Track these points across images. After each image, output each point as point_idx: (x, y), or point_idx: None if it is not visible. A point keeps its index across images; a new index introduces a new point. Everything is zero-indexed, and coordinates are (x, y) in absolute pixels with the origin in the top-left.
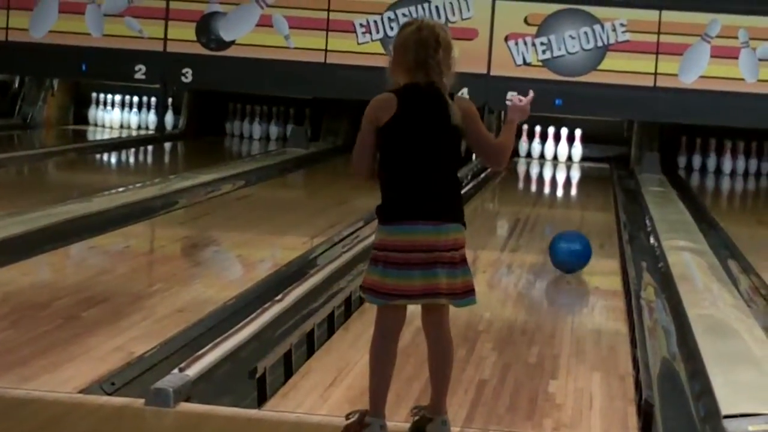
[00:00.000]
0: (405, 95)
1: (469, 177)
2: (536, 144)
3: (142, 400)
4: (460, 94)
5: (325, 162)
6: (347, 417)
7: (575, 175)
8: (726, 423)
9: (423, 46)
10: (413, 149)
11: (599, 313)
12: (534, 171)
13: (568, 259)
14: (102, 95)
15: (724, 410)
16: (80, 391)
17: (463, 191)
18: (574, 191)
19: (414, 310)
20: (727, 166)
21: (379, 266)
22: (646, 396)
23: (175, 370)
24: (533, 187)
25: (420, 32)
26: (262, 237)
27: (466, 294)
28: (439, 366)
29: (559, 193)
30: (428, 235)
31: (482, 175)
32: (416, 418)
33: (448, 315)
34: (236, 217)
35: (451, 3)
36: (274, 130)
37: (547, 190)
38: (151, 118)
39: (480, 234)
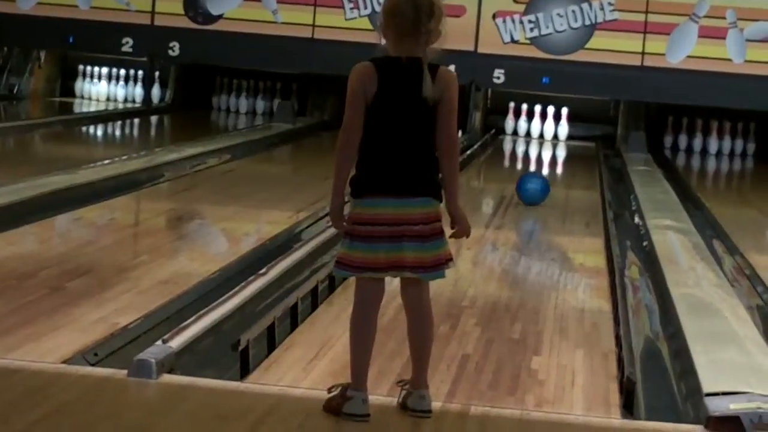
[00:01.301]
0: (385, 70)
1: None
2: (522, 122)
3: (125, 371)
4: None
5: (311, 137)
6: (329, 390)
7: (561, 153)
8: (707, 401)
9: (417, 12)
10: (387, 126)
11: (583, 291)
12: (520, 149)
13: (537, 195)
14: (89, 68)
15: (706, 388)
16: (63, 362)
17: None
18: (559, 170)
19: (396, 286)
20: (713, 146)
21: (347, 240)
22: (629, 373)
23: (159, 342)
24: (519, 165)
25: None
26: (247, 211)
27: (435, 267)
28: (419, 340)
29: (545, 171)
30: (394, 208)
31: (468, 153)
32: (403, 392)
33: (428, 289)
34: (221, 191)
35: None
36: (260, 105)
37: (532, 168)
38: (138, 91)
39: (465, 211)
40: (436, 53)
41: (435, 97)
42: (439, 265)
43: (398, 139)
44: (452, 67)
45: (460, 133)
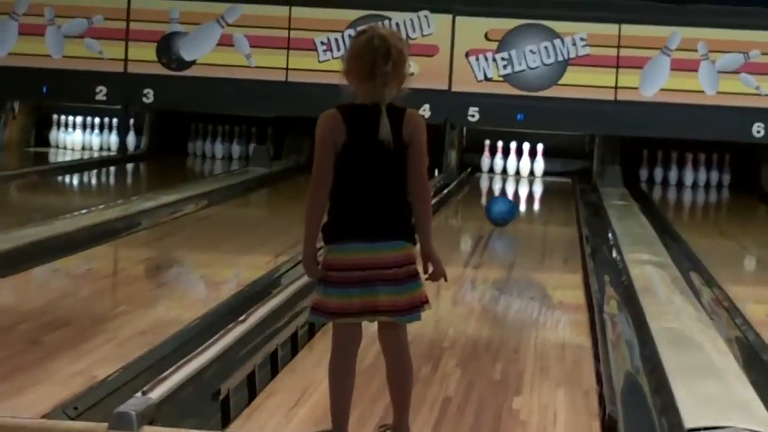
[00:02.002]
0: (352, 117)
1: (432, 193)
2: (498, 159)
3: (105, 424)
4: (421, 110)
5: (288, 180)
6: None
7: (537, 189)
8: None
9: (374, 55)
10: (358, 171)
11: (563, 328)
12: (496, 186)
13: (506, 217)
14: (63, 117)
15: (688, 423)
16: (43, 416)
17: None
18: (536, 206)
19: (376, 329)
20: (688, 178)
21: (321, 285)
22: (610, 411)
23: (139, 393)
24: None
25: (372, 41)
26: (225, 257)
27: (410, 310)
28: (399, 383)
29: (522, 207)
30: (366, 253)
31: (444, 191)
32: None
33: (406, 333)
34: (199, 238)
35: (411, 19)
36: (236, 150)
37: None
38: (113, 139)
39: (443, 250)
40: (399, 96)
41: (404, 140)
42: (415, 307)
43: (369, 184)
44: (426, 107)
45: (436, 172)
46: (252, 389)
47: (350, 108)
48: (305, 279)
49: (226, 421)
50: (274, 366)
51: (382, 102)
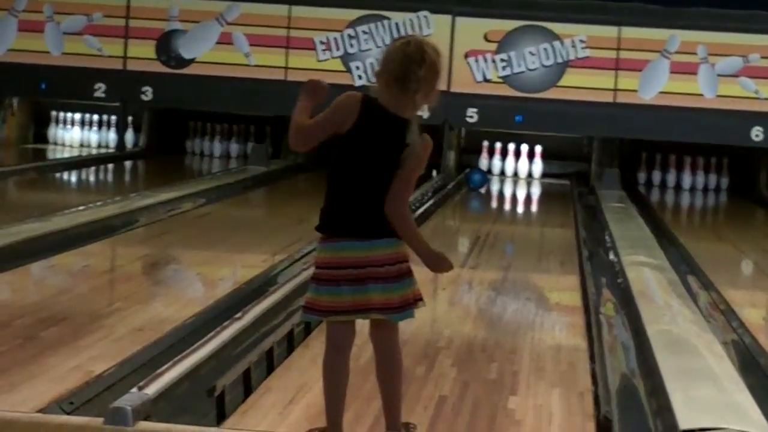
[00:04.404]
0: (368, 111)
1: (430, 194)
2: (496, 160)
3: (101, 419)
4: (419, 111)
5: (286, 180)
6: None
7: (535, 191)
8: None
9: (407, 60)
10: (353, 167)
11: (559, 330)
12: (494, 187)
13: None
14: (62, 114)
15: (683, 425)
16: (39, 411)
17: (423, 208)
18: (534, 208)
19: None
20: (686, 181)
21: (313, 284)
22: (605, 412)
23: (135, 389)
24: (493, 204)
25: (407, 47)
26: (222, 255)
27: (403, 308)
28: (388, 381)
29: (520, 209)
30: (356, 251)
31: (443, 192)
32: None
33: (398, 331)
34: (196, 236)
35: (411, 20)
36: (234, 148)
37: (507, 206)
38: (111, 136)
39: (440, 251)
40: (429, 103)
41: (408, 152)
42: (408, 305)
43: (365, 181)
44: (425, 107)
45: (434, 172)
46: (247, 386)
47: (372, 103)
48: (302, 277)
49: (221, 417)
50: (270, 363)
51: (407, 107)
